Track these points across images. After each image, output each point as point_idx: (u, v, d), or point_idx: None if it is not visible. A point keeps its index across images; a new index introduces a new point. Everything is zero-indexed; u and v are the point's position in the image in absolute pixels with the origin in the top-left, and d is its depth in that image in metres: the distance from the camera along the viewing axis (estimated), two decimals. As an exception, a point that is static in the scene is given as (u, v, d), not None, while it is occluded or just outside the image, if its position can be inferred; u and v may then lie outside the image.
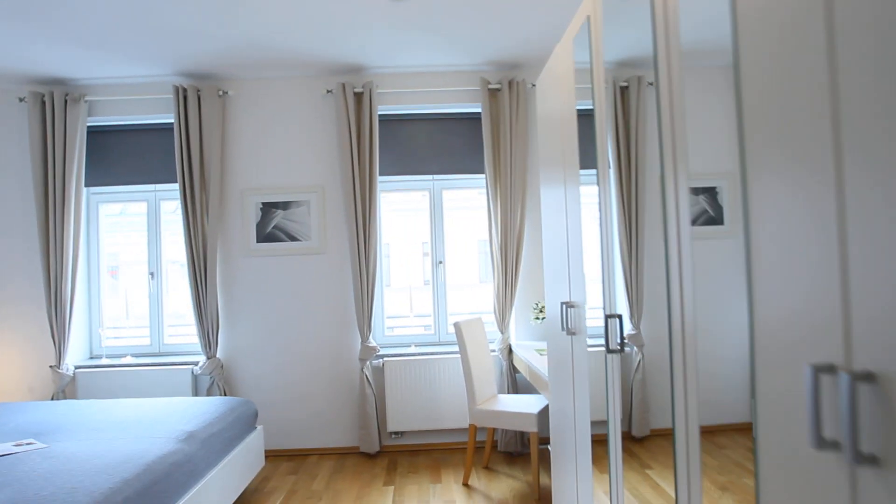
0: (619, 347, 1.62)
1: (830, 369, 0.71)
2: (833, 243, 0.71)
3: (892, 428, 0.62)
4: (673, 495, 1.24)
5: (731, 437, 1.17)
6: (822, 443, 0.71)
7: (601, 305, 1.73)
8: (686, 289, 1.16)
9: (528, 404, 3.19)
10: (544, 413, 3.11)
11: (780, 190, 0.82)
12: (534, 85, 3.88)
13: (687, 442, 1.18)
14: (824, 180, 0.72)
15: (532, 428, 3.03)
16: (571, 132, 1.98)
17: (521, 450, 3.77)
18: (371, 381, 3.78)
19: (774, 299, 0.84)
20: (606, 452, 1.74)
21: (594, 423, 1.90)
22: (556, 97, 2.17)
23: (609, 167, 1.70)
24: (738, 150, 0.93)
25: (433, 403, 3.82)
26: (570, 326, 2.04)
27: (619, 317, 1.61)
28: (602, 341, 1.67)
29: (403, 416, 3.81)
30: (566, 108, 2.02)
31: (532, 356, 3.31)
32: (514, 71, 3.93)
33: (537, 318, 3.85)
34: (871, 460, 0.65)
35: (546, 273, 2.54)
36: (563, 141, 2.08)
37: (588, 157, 1.80)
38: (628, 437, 1.76)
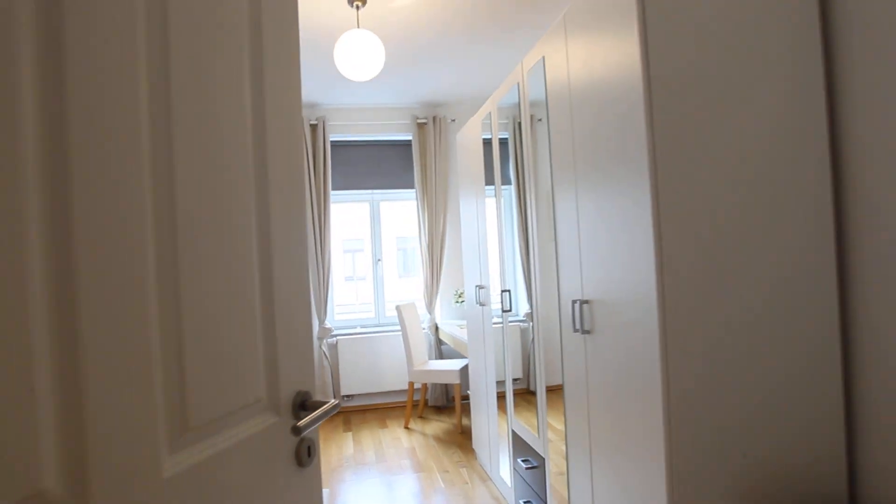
0: (509, 309, 2.72)
1: (578, 301, 1.82)
2: (575, 242, 1.81)
3: (592, 320, 1.73)
4: (540, 424, 2.35)
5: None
6: (576, 329, 1.83)
7: (512, 289, 2.82)
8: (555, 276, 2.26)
9: (452, 364, 4.28)
10: (465, 370, 4.21)
11: (565, 205, 1.92)
12: (453, 120, 4.98)
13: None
14: (592, 198, 1.83)
15: (455, 381, 4.12)
16: (479, 159, 3.06)
17: (447, 403, 4.87)
18: (327, 355, 4.73)
19: (566, 277, 1.95)
20: (505, 396, 2.84)
21: (503, 382, 2.99)
22: (472, 137, 3.25)
23: (511, 183, 2.79)
24: (550, 174, 2.02)
25: (377, 370, 4.83)
26: (480, 300, 3.14)
27: (509, 291, 2.71)
28: (517, 318, 2.77)
29: (353, 382, 4.79)
30: (476, 144, 3.10)
31: (455, 330, 4.40)
32: (437, 109, 5.00)
33: (458, 301, 4.96)
34: (588, 332, 1.76)
35: (465, 265, 3.62)
36: (474, 165, 3.17)
37: (495, 176, 2.84)
38: (527, 392, 2.55)
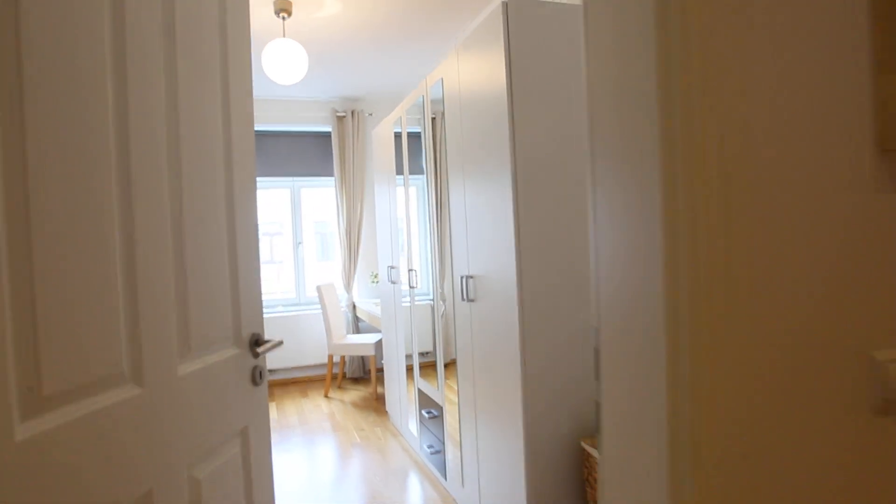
0: (415, 286, 3.19)
1: (467, 277, 2.32)
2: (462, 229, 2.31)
3: (476, 291, 2.23)
4: (454, 389, 2.84)
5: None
6: (463, 299, 2.32)
7: (417, 269, 3.29)
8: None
9: (368, 338, 4.72)
10: (379, 344, 4.66)
11: (461, 193, 2.41)
12: (371, 114, 5.37)
13: (469, 363, 2.78)
14: (494, 189, 2.32)
15: (371, 353, 4.57)
16: (392, 153, 3.50)
17: (364, 374, 5.31)
18: (250, 332, 5.03)
19: (458, 256, 2.44)
20: (423, 367, 3.32)
21: (422, 354, 3.46)
22: (386, 133, 3.68)
23: (423, 173, 3.24)
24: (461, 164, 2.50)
25: (298, 346, 5.19)
26: (392, 279, 3.59)
27: (414, 270, 3.18)
28: (427, 298, 3.23)
29: (277, 357, 5.13)
30: (389, 139, 3.54)
31: (370, 307, 4.83)
32: (356, 103, 5.37)
33: (373, 282, 5.39)
34: (472, 300, 2.26)
35: (379, 248, 4.05)
36: (387, 158, 3.60)
37: (404, 168, 3.30)
38: (435, 365, 3.18)
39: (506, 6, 1.90)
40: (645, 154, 0.73)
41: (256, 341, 1.38)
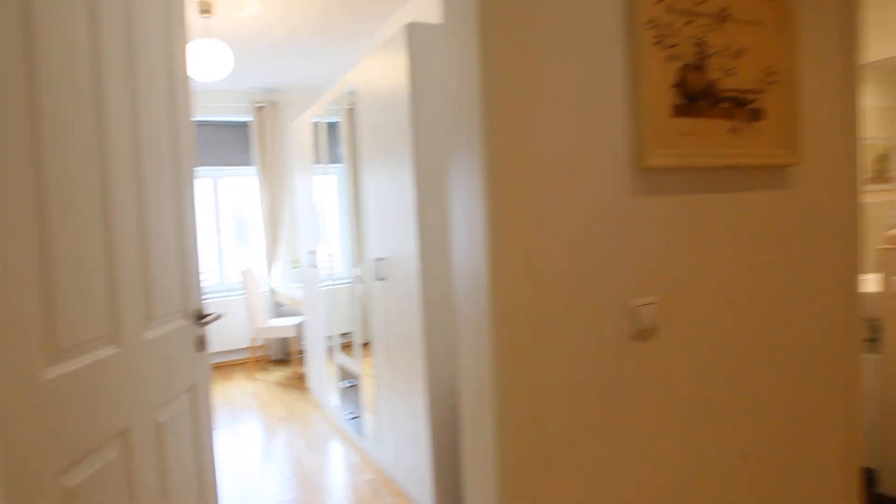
0: (334, 269, 3.49)
1: (377, 258, 2.66)
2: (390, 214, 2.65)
3: (386, 271, 2.58)
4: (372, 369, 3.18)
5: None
6: (376, 278, 2.67)
7: (336, 253, 3.59)
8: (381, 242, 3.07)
9: (290, 322, 4.98)
10: (301, 327, 4.93)
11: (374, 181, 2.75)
12: (290, 105, 5.57)
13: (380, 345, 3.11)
14: (391, 178, 2.66)
15: (293, 334, 4.84)
16: (311, 144, 3.77)
17: (286, 357, 5.56)
18: (172, 319, 5.14)
19: (370, 239, 2.78)
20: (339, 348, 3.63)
21: (343, 335, 3.76)
22: (305, 126, 3.94)
23: (342, 161, 3.54)
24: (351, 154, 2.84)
25: (221, 331, 5.36)
26: (312, 264, 3.88)
27: (333, 254, 3.49)
28: (345, 281, 3.54)
29: (198, 343, 5.26)
30: (308, 131, 3.80)
31: (292, 291, 5.08)
32: (276, 94, 5.54)
33: (295, 267, 5.63)
34: (383, 279, 2.61)
35: (299, 234, 4.31)
36: (306, 148, 3.87)
37: (334, 155, 3.58)
38: (362, 344, 3.52)
39: (410, 27, 2.25)
40: (472, 164, 1.11)
41: (199, 315, 1.68)
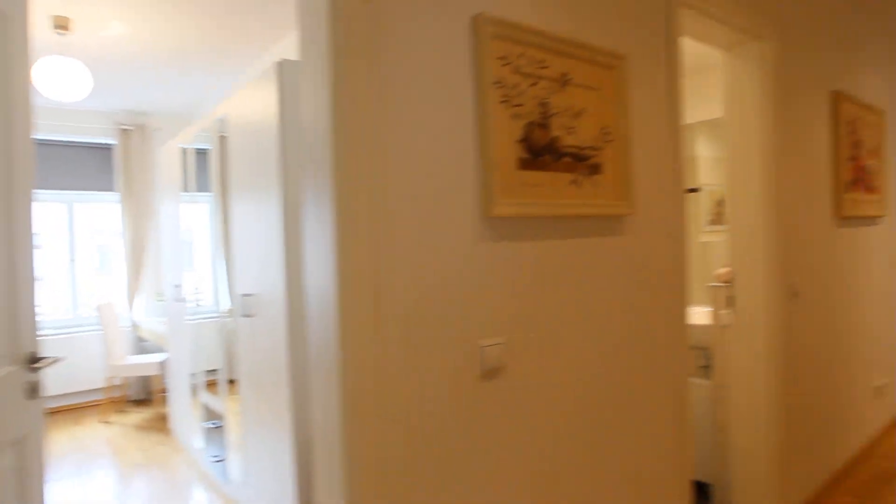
0: (201, 303, 3.32)
1: (245, 294, 2.58)
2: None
3: (254, 307, 2.51)
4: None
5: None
6: (244, 315, 2.58)
7: (205, 286, 3.41)
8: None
9: (152, 358, 4.63)
10: (165, 364, 4.61)
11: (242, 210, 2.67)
12: (159, 129, 5.28)
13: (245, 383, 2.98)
14: (257, 209, 2.59)
15: (156, 372, 4.50)
16: (180, 171, 3.59)
17: (147, 397, 5.15)
18: (11, 358, 4.60)
19: (239, 274, 2.69)
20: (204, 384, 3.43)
21: (210, 372, 3.56)
22: (173, 152, 3.75)
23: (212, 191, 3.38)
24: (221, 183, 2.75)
25: (71, 370, 4.87)
26: (179, 297, 3.67)
27: (200, 288, 3.32)
28: (211, 314, 3.36)
29: (46, 383, 4.73)
30: (177, 157, 3.63)
31: (156, 326, 4.75)
32: (143, 117, 5.23)
33: (159, 301, 5.27)
34: (251, 316, 2.53)
35: (164, 265, 4.07)
36: (175, 176, 3.68)
37: (203, 183, 3.41)
38: (227, 382, 3.35)
39: (281, 64, 2.25)
40: (323, 203, 1.13)
41: (33, 358, 1.53)
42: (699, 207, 4.14)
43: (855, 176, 3.13)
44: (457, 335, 1.24)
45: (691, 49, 3.35)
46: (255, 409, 2.58)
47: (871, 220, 3.41)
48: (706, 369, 2.90)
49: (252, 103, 2.47)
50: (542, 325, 1.43)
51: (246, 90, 2.53)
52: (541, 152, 1.40)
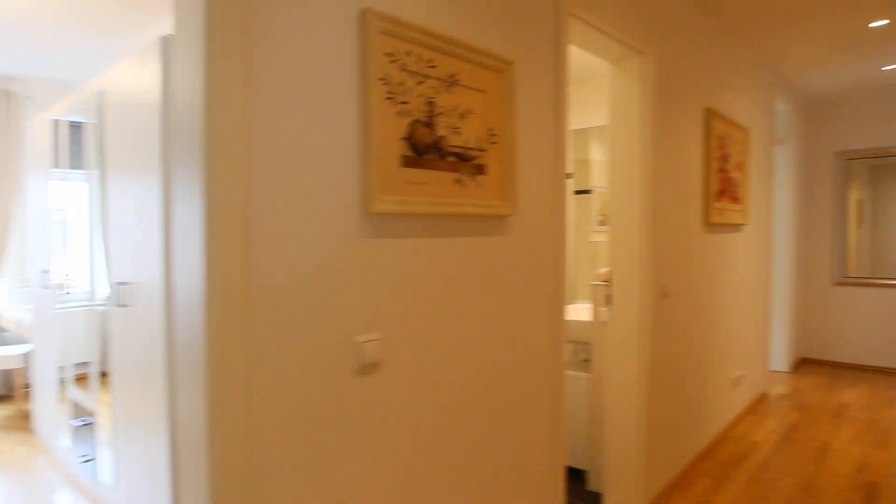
0: (72, 290, 3.07)
1: (119, 282, 2.41)
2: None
3: (130, 297, 2.35)
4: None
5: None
6: (118, 305, 2.42)
7: (78, 272, 3.14)
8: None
9: (14, 350, 4.23)
10: (29, 356, 4.22)
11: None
12: (31, 98, 4.79)
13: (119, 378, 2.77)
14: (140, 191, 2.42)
15: (19, 365, 4.11)
16: (47, 142, 3.29)
17: (8, 393, 4.69)
18: None
19: (114, 260, 2.51)
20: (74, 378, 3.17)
21: (82, 364, 3.28)
22: (45, 125, 3.42)
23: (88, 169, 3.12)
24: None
25: (-86, 364, 4.33)
26: (45, 284, 3.37)
27: (70, 274, 3.07)
28: (86, 302, 3.10)
29: None
30: (46, 124, 3.32)
31: (20, 315, 4.33)
32: (9, 82, 4.73)
33: (24, 287, 4.81)
34: (127, 306, 2.37)
35: (30, 249, 3.71)
36: (46, 150, 3.37)
37: (77, 160, 3.12)
38: (102, 374, 3.10)
39: (165, 39, 2.11)
40: (193, 187, 1.09)
41: None
42: (590, 208, 4.37)
43: (722, 186, 3.42)
44: (332, 330, 1.23)
45: (588, 56, 3.51)
46: (129, 405, 2.43)
47: (735, 227, 3.75)
48: (586, 363, 3.07)
49: (134, 78, 2.31)
50: (422, 321, 1.45)
51: (128, 64, 2.36)
52: (425, 151, 1.41)
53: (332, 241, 1.23)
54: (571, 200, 4.42)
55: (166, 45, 2.12)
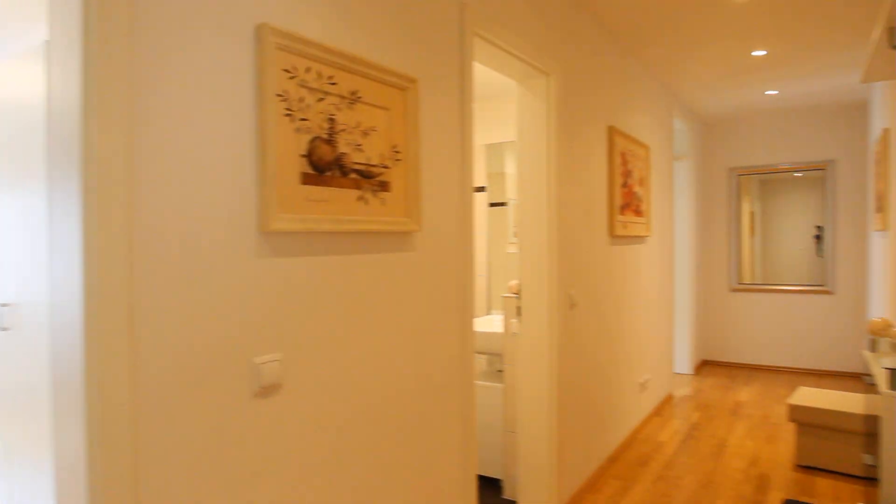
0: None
1: (2, 304, 2.22)
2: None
3: (9, 319, 2.17)
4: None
5: None
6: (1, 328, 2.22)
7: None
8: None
9: None
10: None
11: None
12: None
13: None
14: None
15: None
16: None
17: None
18: None
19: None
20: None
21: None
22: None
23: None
24: None
25: None
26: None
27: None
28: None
29: None
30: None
31: None
32: None
33: None
34: (6, 329, 2.19)
35: None
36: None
37: None
38: None
39: (48, 43, 1.98)
40: (70, 199, 1.02)
41: None
42: (506, 220, 4.48)
43: (626, 200, 3.60)
44: (228, 352, 1.19)
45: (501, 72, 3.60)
46: (11, 439, 2.24)
47: (639, 239, 3.95)
48: (500, 374, 3.13)
49: (14, 83, 2.15)
50: (326, 339, 1.43)
51: (7, 66, 2.19)
52: (327, 168, 1.40)
53: (227, 261, 1.19)
54: (487, 213, 4.51)
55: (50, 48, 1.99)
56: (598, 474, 3.24)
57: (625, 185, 3.57)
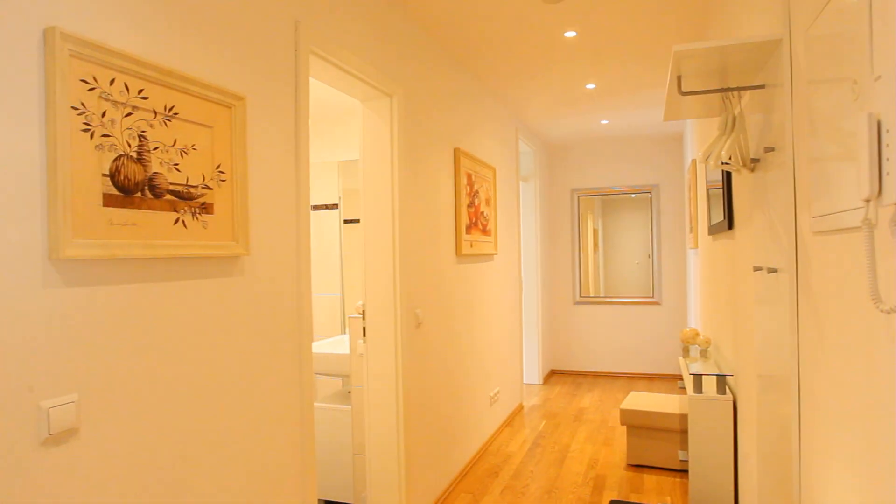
0: None
1: None
2: None
3: None
4: None
5: None
6: None
7: None
8: None
9: None
10: None
11: None
12: None
13: None
14: None
15: None
16: None
17: None
18: None
19: None
20: None
21: None
22: None
23: None
24: None
25: None
26: None
27: None
28: None
29: None
30: None
31: None
32: None
33: None
34: None
35: None
36: None
37: None
38: None
39: None
40: None
41: None
42: (361, 237, 4.44)
43: (473, 220, 3.74)
44: (7, 396, 1.04)
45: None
46: None
47: (487, 257, 4.12)
48: (350, 395, 3.08)
49: None
50: (135, 374, 1.31)
51: None
52: (135, 189, 1.29)
53: (7, 293, 1.05)
54: (342, 230, 4.46)
55: None
56: (450, 490, 3.29)
57: (471, 205, 3.71)
